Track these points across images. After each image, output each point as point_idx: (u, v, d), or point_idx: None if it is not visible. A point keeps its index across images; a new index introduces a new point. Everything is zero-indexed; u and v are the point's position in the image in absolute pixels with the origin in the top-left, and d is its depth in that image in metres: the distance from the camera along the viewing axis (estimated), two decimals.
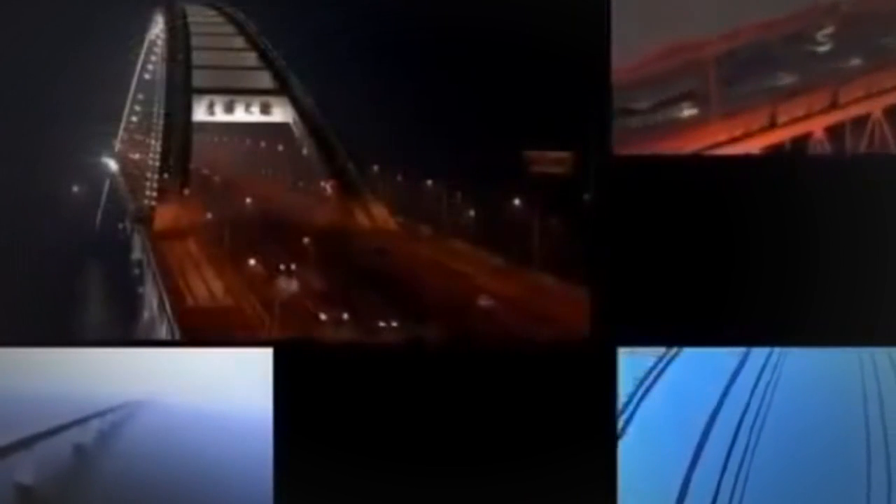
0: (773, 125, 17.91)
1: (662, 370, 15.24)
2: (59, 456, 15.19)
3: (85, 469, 15.35)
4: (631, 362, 15.02)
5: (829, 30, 18.45)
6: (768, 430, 14.91)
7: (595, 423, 15.11)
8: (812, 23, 18.39)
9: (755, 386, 15.57)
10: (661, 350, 15.18)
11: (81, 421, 16.77)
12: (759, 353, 15.55)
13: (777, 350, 15.59)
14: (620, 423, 14.75)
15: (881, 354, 15.33)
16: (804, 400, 15.40)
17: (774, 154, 17.82)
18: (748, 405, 15.29)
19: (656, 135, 17.28)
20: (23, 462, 13.17)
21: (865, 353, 15.44)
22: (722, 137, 17.72)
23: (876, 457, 14.63)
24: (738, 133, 17.84)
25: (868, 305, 15.52)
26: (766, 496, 14.08)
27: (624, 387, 14.93)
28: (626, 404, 14.92)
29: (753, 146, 17.81)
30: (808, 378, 15.43)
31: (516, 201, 23.37)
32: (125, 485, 14.98)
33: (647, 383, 15.17)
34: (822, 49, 18.45)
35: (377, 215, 27.08)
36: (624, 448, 14.85)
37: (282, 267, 22.04)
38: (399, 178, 27.02)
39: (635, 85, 17.29)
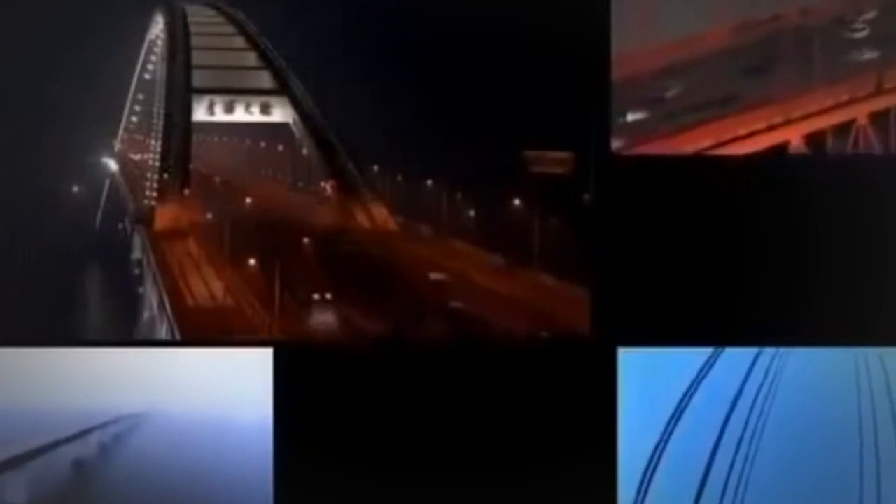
0: (879, 91, 17.96)
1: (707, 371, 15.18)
2: (57, 471, 15.10)
3: (84, 484, 15.28)
4: (636, 361, 14.98)
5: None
6: (769, 429, 14.88)
7: (595, 423, 15.10)
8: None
9: (756, 386, 15.55)
10: (670, 352, 15.12)
11: (81, 434, 16.72)
12: (759, 354, 15.53)
13: (777, 350, 15.56)
14: (671, 425, 14.61)
15: (875, 355, 15.33)
16: (803, 399, 15.38)
17: (774, 154, 17.81)
18: (750, 405, 15.28)
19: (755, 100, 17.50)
20: (15, 480, 12.99)
21: (862, 353, 15.42)
22: (828, 103, 17.92)
23: (868, 453, 14.64)
24: (844, 98, 17.99)
25: (867, 306, 15.52)
26: (766, 493, 14.07)
27: (672, 388, 14.82)
28: (677, 407, 14.75)
29: (860, 112, 17.95)
30: (807, 377, 15.41)
31: (516, 201, 23.39)
32: (127, 490, 14.98)
33: (695, 384, 15.06)
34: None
35: (377, 215, 27.11)
36: (624, 447, 14.84)
37: (316, 296, 21.73)
38: (399, 178, 27.05)
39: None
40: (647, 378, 15.28)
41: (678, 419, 14.87)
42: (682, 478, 14.02)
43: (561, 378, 15.58)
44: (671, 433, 14.74)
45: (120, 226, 27.09)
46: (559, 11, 17.72)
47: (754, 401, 15.34)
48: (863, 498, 14.24)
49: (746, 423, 14.97)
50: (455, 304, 21.52)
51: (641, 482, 14.53)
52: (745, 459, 14.34)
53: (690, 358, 15.41)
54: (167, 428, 20.31)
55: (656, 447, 14.63)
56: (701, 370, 15.41)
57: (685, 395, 15.17)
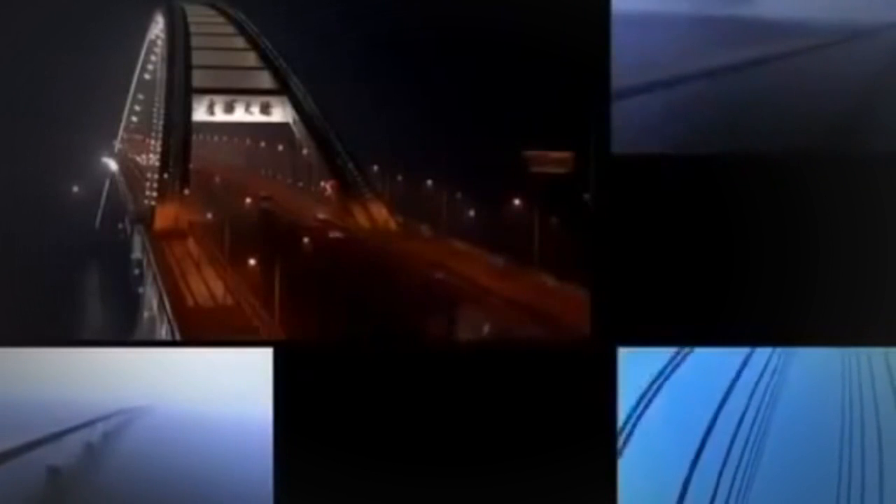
0: None
1: (671, 372, 15.20)
2: (50, 472, 15.08)
3: (81, 484, 15.28)
4: (636, 361, 14.98)
5: None
6: (768, 429, 14.91)
7: (595, 423, 15.11)
8: None
9: (755, 386, 15.58)
10: (669, 351, 15.13)
11: (79, 433, 16.71)
12: (759, 353, 15.55)
13: (777, 350, 15.59)
14: (626, 426, 14.67)
15: (878, 355, 15.35)
16: (805, 399, 15.41)
17: (774, 154, 17.81)
18: (748, 405, 15.30)
19: None
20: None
21: (858, 353, 15.45)
22: None
23: (869, 453, 14.68)
24: None
25: (868, 305, 15.52)
26: (768, 493, 14.08)
27: (629, 388, 14.86)
28: (635, 407, 14.81)
29: None
30: (808, 377, 15.44)
31: (516, 201, 23.36)
32: (127, 490, 14.98)
33: (656, 384, 15.10)
34: None
35: (377, 215, 27.09)
36: (625, 449, 14.85)
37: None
38: (399, 178, 27.04)
39: None
40: (646, 378, 15.29)
41: (678, 419, 14.88)
42: (683, 478, 14.02)
43: (561, 378, 15.58)
44: (671, 434, 14.74)
45: (120, 226, 27.08)
46: (559, 11, 17.70)
47: (754, 400, 15.36)
48: (863, 497, 14.26)
49: (746, 422, 14.97)
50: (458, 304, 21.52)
51: (641, 483, 14.54)
52: (747, 460, 14.35)
53: (691, 358, 15.42)
54: (166, 428, 20.30)
55: (656, 448, 14.64)
56: (701, 370, 15.42)
57: (685, 395, 15.18)
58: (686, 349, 15.29)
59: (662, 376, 15.21)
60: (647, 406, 14.91)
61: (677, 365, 15.27)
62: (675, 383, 15.27)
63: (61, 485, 14.39)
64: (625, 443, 14.77)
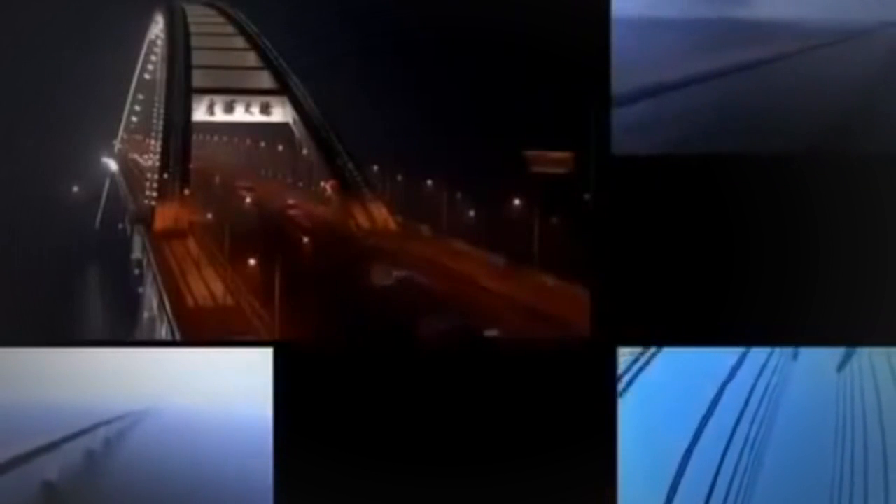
0: None
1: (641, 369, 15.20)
2: (55, 470, 15.10)
3: (84, 485, 15.28)
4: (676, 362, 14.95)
5: None
6: (772, 429, 14.91)
7: (595, 423, 15.11)
8: None
9: (754, 385, 15.58)
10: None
11: (80, 435, 16.69)
12: (760, 353, 15.56)
13: (778, 350, 15.60)
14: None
15: (879, 355, 15.36)
16: (806, 399, 15.42)
17: (774, 154, 17.82)
18: (748, 404, 15.30)
19: None
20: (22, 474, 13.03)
21: (860, 353, 15.45)
22: None
23: (859, 453, 14.70)
24: None
25: (868, 306, 15.53)
26: (770, 494, 14.08)
27: (673, 388, 14.83)
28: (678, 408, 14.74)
29: None
30: (809, 377, 15.44)
31: (516, 201, 23.39)
32: (127, 490, 14.98)
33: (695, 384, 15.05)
34: None
35: (377, 215, 27.12)
36: (623, 447, 14.84)
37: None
38: (399, 178, 27.07)
39: None
40: (647, 378, 15.30)
41: (679, 420, 14.89)
42: (683, 478, 14.02)
43: (561, 378, 15.58)
44: (671, 434, 14.75)
45: (120, 226, 27.10)
46: (559, 11, 17.71)
47: (759, 400, 15.36)
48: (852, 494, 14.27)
49: (749, 422, 14.98)
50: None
51: (640, 483, 14.55)
52: (749, 459, 14.35)
53: (691, 358, 15.43)
54: (167, 428, 20.31)
55: (656, 447, 14.64)
56: (701, 370, 15.43)
57: (686, 395, 15.19)
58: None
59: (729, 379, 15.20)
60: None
61: (669, 362, 15.27)
62: (672, 382, 15.27)
63: (63, 494, 14.40)
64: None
